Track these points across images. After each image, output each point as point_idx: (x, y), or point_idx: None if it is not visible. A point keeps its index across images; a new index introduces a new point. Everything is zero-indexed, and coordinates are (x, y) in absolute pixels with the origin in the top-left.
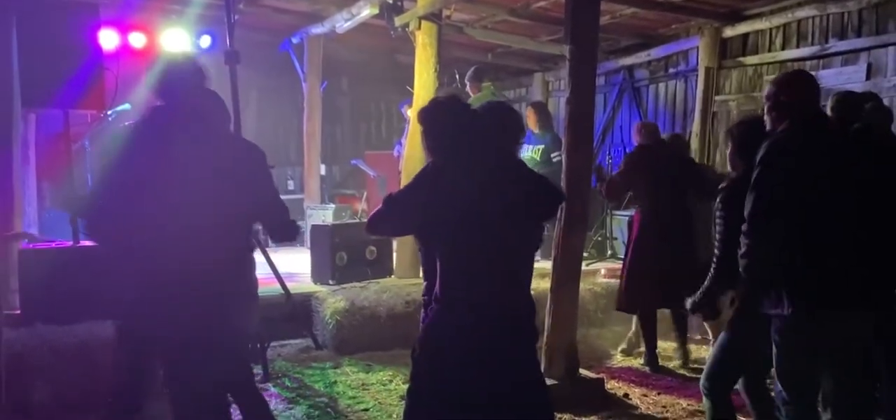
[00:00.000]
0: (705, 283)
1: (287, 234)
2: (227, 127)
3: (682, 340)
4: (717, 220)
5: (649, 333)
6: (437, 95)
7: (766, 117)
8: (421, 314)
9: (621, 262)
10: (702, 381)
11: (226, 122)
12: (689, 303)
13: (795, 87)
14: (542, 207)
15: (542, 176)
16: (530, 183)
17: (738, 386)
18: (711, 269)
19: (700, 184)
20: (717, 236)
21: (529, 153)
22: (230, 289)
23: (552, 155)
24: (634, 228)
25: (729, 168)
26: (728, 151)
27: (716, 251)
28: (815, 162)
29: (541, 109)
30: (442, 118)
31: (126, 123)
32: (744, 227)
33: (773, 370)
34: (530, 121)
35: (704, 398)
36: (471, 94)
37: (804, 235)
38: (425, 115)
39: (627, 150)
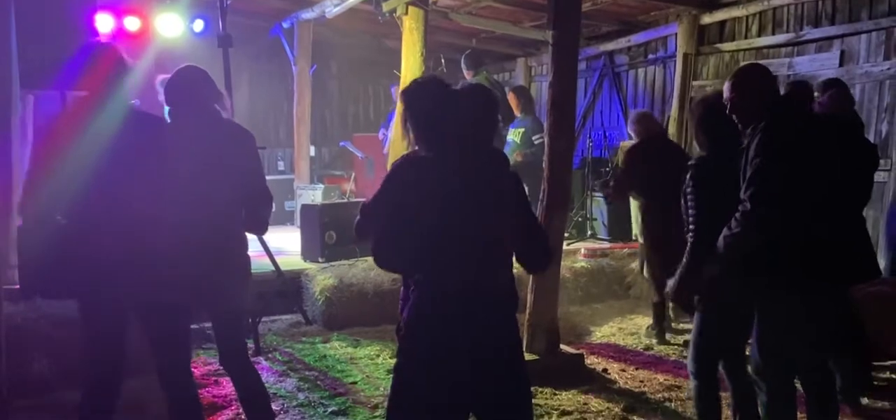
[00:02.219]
0: (682, 268)
1: (258, 228)
2: (215, 106)
3: (661, 319)
4: (689, 202)
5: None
6: (420, 76)
7: (734, 110)
8: (400, 291)
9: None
10: (688, 364)
11: (216, 99)
12: (669, 288)
13: (758, 78)
14: (512, 199)
15: (513, 172)
16: (505, 176)
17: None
18: (687, 255)
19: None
20: (691, 219)
21: (511, 135)
22: (227, 258)
23: (533, 137)
24: (648, 221)
25: (694, 144)
26: (692, 126)
27: (690, 235)
28: (808, 151)
29: (522, 93)
30: (423, 99)
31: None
32: (742, 209)
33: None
34: (512, 105)
35: (691, 378)
36: (466, 78)
37: (794, 216)
38: (407, 95)
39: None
